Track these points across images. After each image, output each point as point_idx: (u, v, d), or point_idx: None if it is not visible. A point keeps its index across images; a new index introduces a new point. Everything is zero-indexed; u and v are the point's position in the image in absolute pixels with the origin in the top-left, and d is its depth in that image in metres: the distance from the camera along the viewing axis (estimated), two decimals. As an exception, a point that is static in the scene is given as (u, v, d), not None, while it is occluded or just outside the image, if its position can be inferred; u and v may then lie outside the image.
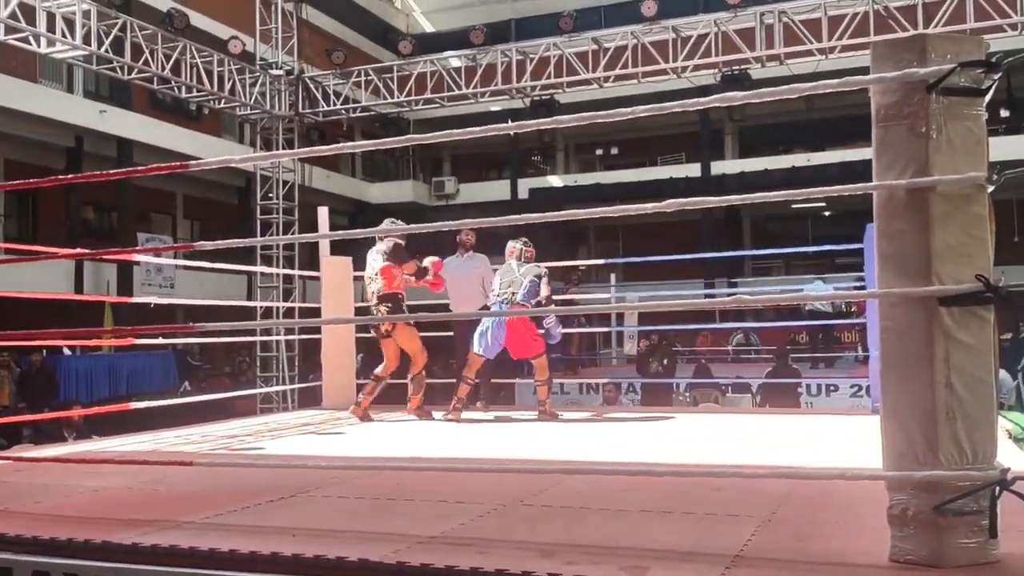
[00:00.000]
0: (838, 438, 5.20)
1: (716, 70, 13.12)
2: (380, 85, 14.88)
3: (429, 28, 28.12)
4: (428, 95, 14.55)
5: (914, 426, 2.23)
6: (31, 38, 11.02)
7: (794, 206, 24.92)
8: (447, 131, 3.04)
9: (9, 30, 10.74)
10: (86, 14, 11.37)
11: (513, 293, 6.20)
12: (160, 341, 12.85)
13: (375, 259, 6.35)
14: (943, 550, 2.20)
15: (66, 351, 13.63)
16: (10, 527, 2.86)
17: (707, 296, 20.36)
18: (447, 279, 6.87)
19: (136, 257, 13.78)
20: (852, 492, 3.00)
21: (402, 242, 6.36)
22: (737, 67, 12.87)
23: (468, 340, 6.55)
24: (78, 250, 11.56)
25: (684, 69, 12.96)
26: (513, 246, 6.50)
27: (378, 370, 6.37)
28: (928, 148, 2.23)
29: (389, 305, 6.20)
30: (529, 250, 6.47)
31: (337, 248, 7.59)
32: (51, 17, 10.99)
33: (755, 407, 10.96)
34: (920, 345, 2.23)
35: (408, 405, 6.48)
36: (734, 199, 2.85)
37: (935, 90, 2.20)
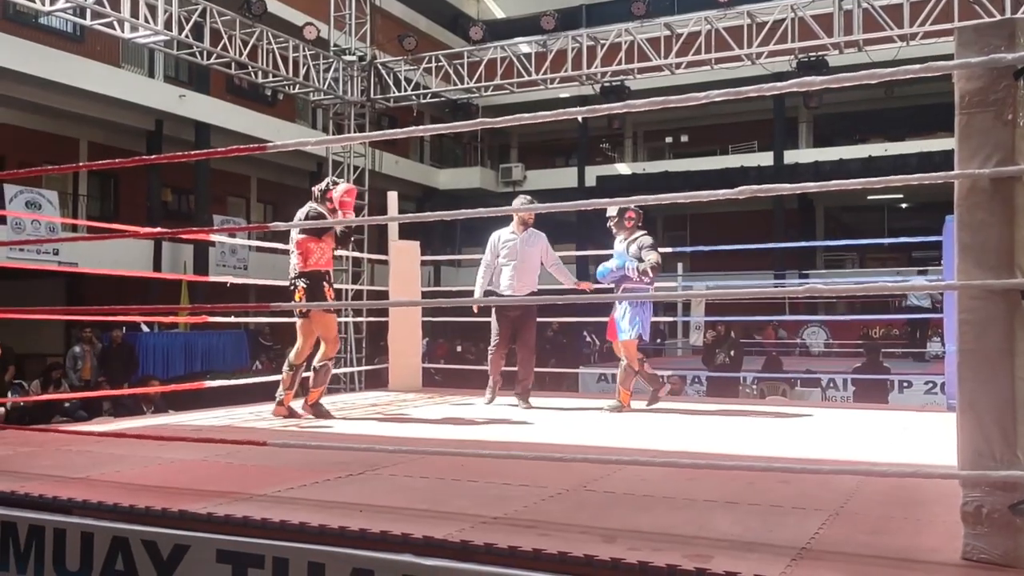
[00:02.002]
0: (910, 434, 5.08)
1: (792, 57, 12.84)
2: (450, 71, 14.95)
3: (500, 14, 28.12)
4: (498, 81, 14.55)
5: (991, 422, 2.17)
6: (115, 23, 11.36)
7: (870, 197, 24.30)
8: (516, 115, 3.04)
9: (95, 15, 11.09)
10: (167, 0, 11.68)
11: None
12: (233, 320, 13.20)
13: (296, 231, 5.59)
14: (1019, 550, 2.14)
15: (144, 328, 14.08)
16: (91, 494, 2.99)
17: (777, 287, 20.04)
18: (502, 256, 6.45)
19: (212, 238, 14.12)
20: (924, 488, 2.94)
21: (323, 210, 5.56)
22: (814, 53, 12.57)
23: (525, 324, 6.42)
24: (157, 229, 11.90)
25: (759, 55, 12.71)
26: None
27: (291, 356, 5.66)
28: (1015, 136, 2.16)
29: (307, 283, 5.41)
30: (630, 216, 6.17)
31: (405, 232, 7.67)
32: (134, 3, 11.31)
33: (826, 401, 10.75)
34: (1000, 339, 2.17)
35: (304, 401, 5.64)
36: (809, 187, 2.79)
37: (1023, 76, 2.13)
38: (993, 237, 2.19)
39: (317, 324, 5.52)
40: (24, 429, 5.56)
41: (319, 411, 5.55)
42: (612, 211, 6.17)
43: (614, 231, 6.20)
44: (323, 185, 5.72)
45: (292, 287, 5.49)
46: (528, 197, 6.80)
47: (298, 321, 5.62)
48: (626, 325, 5.98)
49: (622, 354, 6.13)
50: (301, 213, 5.62)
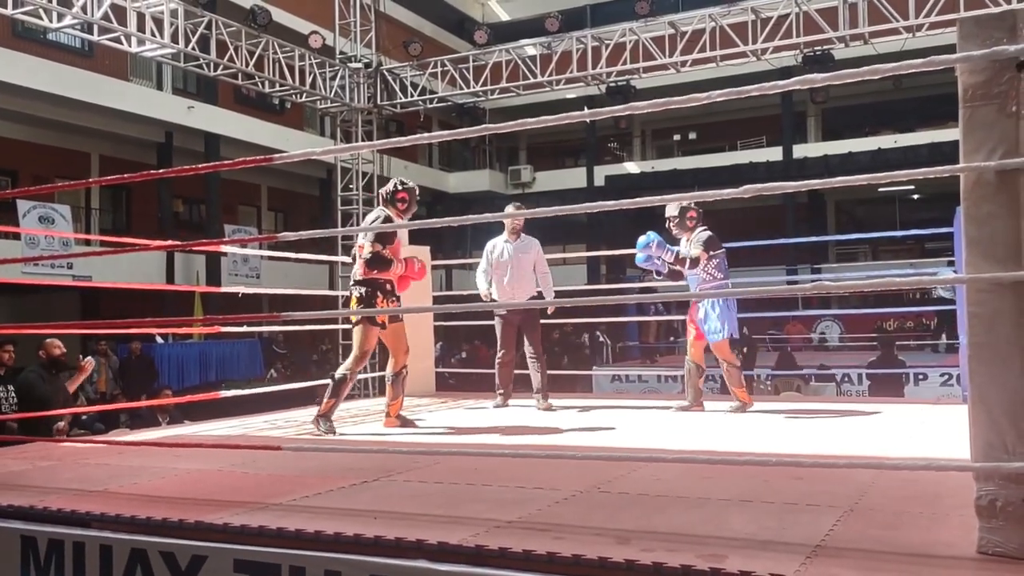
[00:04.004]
0: (925, 427, 5.06)
1: (797, 51, 12.79)
2: (456, 75, 14.98)
3: (504, 16, 28.16)
4: (504, 84, 14.57)
5: (1002, 415, 2.17)
6: (122, 38, 11.44)
7: (881, 189, 24.17)
8: (523, 120, 3.05)
9: (102, 31, 11.18)
10: (174, 13, 11.75)
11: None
12: (247, 329, 13.26)
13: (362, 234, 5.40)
14: (1034, 543, 2.13)
15: (159, 339, 14.17)
16: (109, 507, 3.02)
17: (789, 283, 19.97)
18: (495, 264, 6.51)
19: (224, 248, 14.20)
20: (939, 482, 2.92)
21: (392, 214, 5.34)
22: (819, 47, 12.52)
23: (530, 328, 6.47)
24: (169, 242, 11.97)
25: (764, 51, 12.67)
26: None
27: (387, 371, 5.57)
28: (1019, 128, 2.15)
29: (362, 292, 5.19)
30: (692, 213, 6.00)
31: (416, 237, 7.69)
32: (141, 17, 11.38)
33: (840, 396, 10.71)
34: (1010, 331, 2.16)
35: (387, 412, 5.50)
36: (815, 183, 2.79)
37: (1026, 68, 2.12)
38: (1000, 230, 2.19)
39: (389, 336, 5.38)
40: (44, 442, 5.60)
41: (405, 421, 5.46)
42: (672, 211, 5.97)
43: (675, 232, 6.04)
44: (390, 188, 5.45)
45: (348, 295, 5.34)
46: (519, 204, 6.85)
47: (380, 333, 5.37)
48: (716, 326, 5.83)
49: (719, 356, 5.96)
50: (371, 218, 5.54)
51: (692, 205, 5.94)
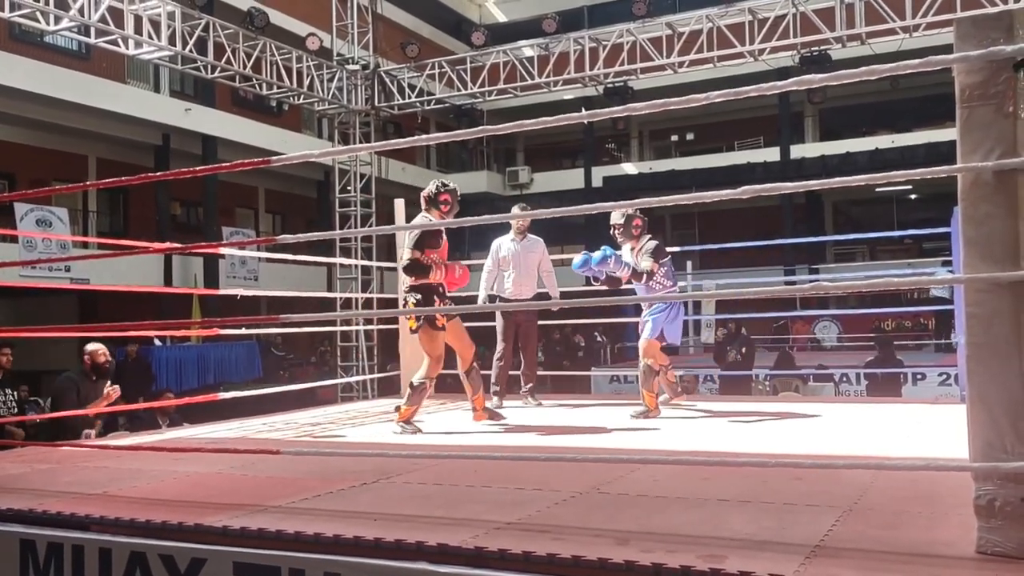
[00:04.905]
0: (924, 427, 5.06)
1: (795, 52, 12.81)
2: (454, 77, 14.99)
3: (502, 18, 28.17)
4: (501, 85, 14.57)
5: (1001, 415, 2.17)
6: (120, 40, 11.44)
7: (878, 189, 24.20)
8: (520, 121, 3.04)
9: (99, 33, 11.17)
10: (171, 15, 11.75)
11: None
12: (245, 332, 13.26)
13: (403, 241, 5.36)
14: (1033, 542, 2.13)
15: (157, 342, 14.15)
16: (109, 510, 3.02)
17: (787, 283, 19.99)
18: (503, 263, 6.59)
19: (221, 250, 14.20)
20: (938, 482, 2.93)
21: (434, 218, 5.34)
22: (816, 48, 12.54)
23: (529, 329, 6.57)
24: (167, 244, 11.97)
25: (761, 52, 12.69)
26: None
27: (460, 369, 5.53)
28: (1016, 129, 2.16)
29: (417, 298, 5.17)
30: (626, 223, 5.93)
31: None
32: (138, 20, 11.39)
33: (839, 396, 10.72)
34: (1008, 331, 2.16)
35: (474, 407, 5.55)
36: (813, 184, 2.79)
37: (1023, 68, 2.13)
38: (998, 230, 2.19)
39: (449, 336, 5.27)
40: (41, 445, 5.59)
41: (492, 414, 5.52)
42: (617, 219, 5.89)
43: (619, 240, 5.95)
44: (432, 190, 5.38)
45: (404, 302, 5.33)
46: (524, 205, 6.90)
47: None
48: (648, 328, 5.81)
49: (641, 354, 5.88)
50: (415, 224, 5.42)
51: (638, 213, 5.87)
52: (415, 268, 5.13)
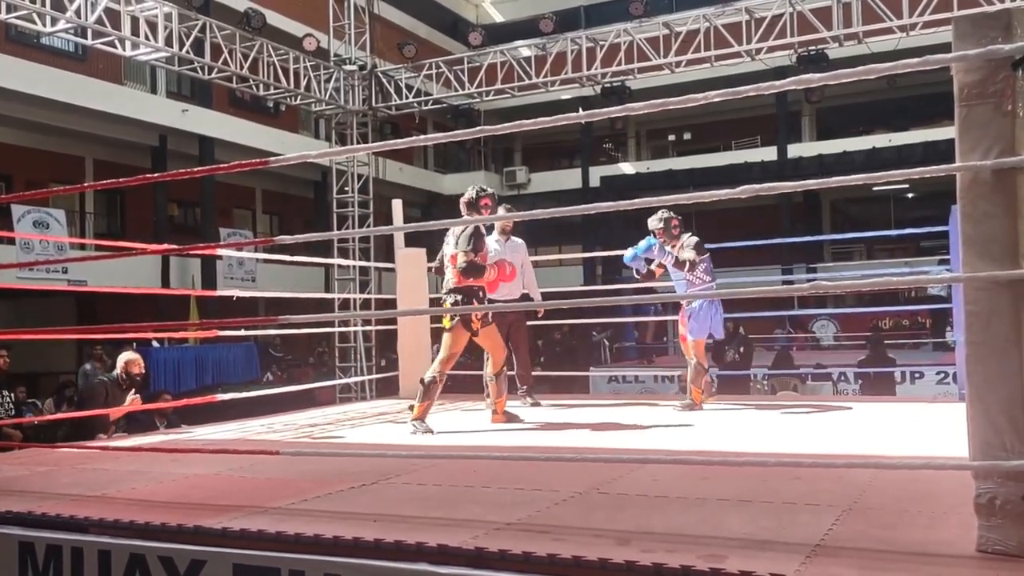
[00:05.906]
0: (923, 426, 5.06)
1: (792, 51, 12.82)
2: (451, 77, 14.98)
3: (499, 18, 28.16)
4: (499, 85, 14.58)
5: (1000, 413, 2.17)
6: (116, 42, 11.42)
7: (876, 188, 24.20)
8: (518, 121, 3.05)
9: (96, 35, 11.16)
10: (167, 17, 11.74)
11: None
12: (243, 333, 13.24)
13: (449, 243, 5.43)
14: (1034, 541, 2.13)
15: (154, 343, 14.13)
16: (107, 512, 3.01)
17: (784, 283, 20.00)
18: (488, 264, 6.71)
19: (219, 251, 14.18)
20: (938, 481, 2.93)
21: (480, 227, 5.37)
22: (814, 47, 12.55)
23: (519, 327, 6.59)
24: (165, 246, 11.95)
25: (759, 51, 12.70)
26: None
27: (487, 371, 5.70)
28: (1015, 127, 2.16)
29: (457, 299, 5.28)
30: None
31: (411, 240, 7.69)
32: (135, 21, 11.37)
33: (836, 395, 10.72)
34: (1007, 330, 2.17)
35: (493, 412, 5.69)
36: (811, 184, 2.80)
37: (1022, 67, 2.13)
38: (996, 228, 2.19)
39: (483, 339, 5.44)
40: (40, 447, 5.59)
41: (511, 417, 5.63)
42: (656, 224, 6.07)
43: (662, 242, 6.07)
44: (472, 194, 5.43)
45: (443, 302, 5.42)
46: (508, 206, 7.00)
47: (473, 339, 5.41)
48: (694, 326, 6.02)
49: (690, 353, 6.13)
50: (460, 230, 5.37)
51: (673, 214, 6.12)
52: (472, 269, 5.22)
